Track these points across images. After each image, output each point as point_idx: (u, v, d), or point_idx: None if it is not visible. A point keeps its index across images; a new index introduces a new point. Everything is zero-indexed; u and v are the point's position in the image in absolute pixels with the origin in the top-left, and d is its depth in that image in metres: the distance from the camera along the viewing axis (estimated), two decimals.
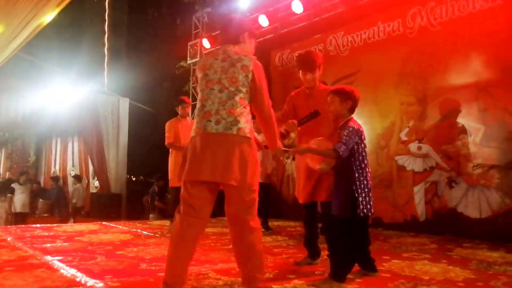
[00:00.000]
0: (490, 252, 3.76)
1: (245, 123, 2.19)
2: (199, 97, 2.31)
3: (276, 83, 7.17)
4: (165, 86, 16.29)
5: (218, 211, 5.43)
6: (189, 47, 9.53)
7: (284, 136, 2.91)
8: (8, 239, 4.43)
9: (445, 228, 4.88)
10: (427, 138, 5.24)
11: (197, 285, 2.54)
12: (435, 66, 5.19)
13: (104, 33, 14.42)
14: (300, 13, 6.79)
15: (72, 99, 9.42)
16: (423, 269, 3.00)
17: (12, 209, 8.99)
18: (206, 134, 2.18)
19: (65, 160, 12.41)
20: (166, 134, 5.25)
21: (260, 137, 3.88)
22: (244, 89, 2.22)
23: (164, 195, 8.61)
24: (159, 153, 9.09)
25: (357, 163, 2.62)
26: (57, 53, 14.70)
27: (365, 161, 2.65)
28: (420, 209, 5.21)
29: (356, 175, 2.59)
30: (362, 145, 2.66)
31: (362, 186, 2.58)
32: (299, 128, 2.96)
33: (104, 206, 9.21)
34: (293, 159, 4.83)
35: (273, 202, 6.27)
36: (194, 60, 9.43)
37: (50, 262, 3.19)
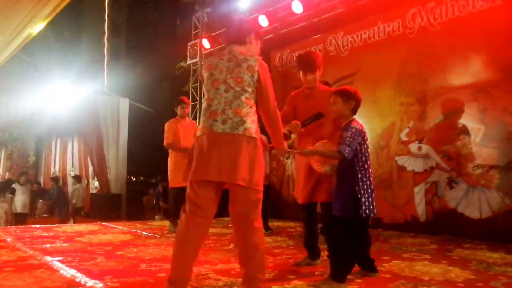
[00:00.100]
0: (490, 252, 3.76)
1: (251, 123, 2.20)
2: (205, 96, 2.31)
3: (276, 84, 7.04)
4: (165, 86, 16.32)
5: (219, 211, 5.42)
6: (189, 48, 9.53)
7: (287, 137, 2.91)
8: (8, 239, 4.42)
9: (445, 229, 4.88)
10: (427, 138, 5.24)
11: (197, 286, 2.53)
12: (434, 66, 5.19)
13: (104, 33, 14.40)
14: (300, 13, 6.80)
15: (72, 100, 9.41)
16: (423, 270, 3.00)
17: (13, 210, 8.98)
18: (212, 134, 2.18)
19: (65, 160, 12.41)
20: (165, 135, 5.22)
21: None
22: (250, 89, 2.22)
23: (168, 196, 8.61)
24: (159, 153, 9.09)
25: (360, 163, 2.61)
26: (57, 54, 14.73)
27: (368, 162, 2.65)
28: (420, 209, 5.21)
29: (359, 175, 2.59)
30: (365, 145, 2.66)
31: (365, 186, 2.58)
32: (302, 129, 2.96)
33: (104, 207, 9.20)
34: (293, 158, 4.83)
35: (273, 203, 6.27)
36: (194, 61, 9.43)
37: (50, 263, 3.19)
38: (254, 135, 2.19)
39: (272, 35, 7.27)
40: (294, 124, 2.93)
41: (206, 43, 8.77)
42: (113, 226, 5.88)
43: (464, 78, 4.91)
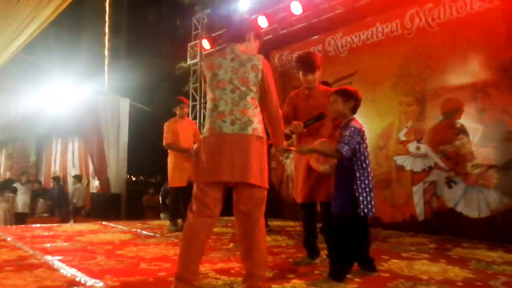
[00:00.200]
0: (489, 251, 3.78)
1: (258, 123, 2.25)
2: (210, 96, 2.32)
3: (276, 84, 7.10)
4: (165, 87, 16.32)
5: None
6: (189, 48, 9.55)
7: (288, 137, 2.93)
8: (8, 239, 4.44)
9: (444, 228, 4.90)
10: (426, 138, 5.25)
11: (197, 285, 2.54)
12: (433, 67, 5.21)
13: (104, 34, 14.44)
14: (299, 14, 6.81)
15: (72, 100, 9.42)
16: (422, 269, 3.01)
17: (14, 209, 9.01)
18: (222, 135, 2.21)
19: (65, 160, 12.42)
20: (164, 135, 5.22)
21: None
22: (254, 89, 2.26)
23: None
24: (159, 153, 9.10)
25: (359, 162, 2.63)
26: (57, 54, 14.74)
27: (367, 161, 2.66)
28: (419, 209, 5.22)
29: (357, 174, 2.60)
30: (364, 145, 2.67)
31: (363, 185, 2.59)
32: (304, 130, 2.98)
33: (104, 206, 9.20)
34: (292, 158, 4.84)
35: (272, 202, 6.27)
36: (194, 61, 9.45)
37: (50, 262, 3.20)
38: (261, 135, 2.25)
39: (271, 36, 7.29)
40: (297, 125, 2.95)
41: (206, 44, 8.80)
42: (113, 225, 5.89)
43: (462, 78, 4.92)
